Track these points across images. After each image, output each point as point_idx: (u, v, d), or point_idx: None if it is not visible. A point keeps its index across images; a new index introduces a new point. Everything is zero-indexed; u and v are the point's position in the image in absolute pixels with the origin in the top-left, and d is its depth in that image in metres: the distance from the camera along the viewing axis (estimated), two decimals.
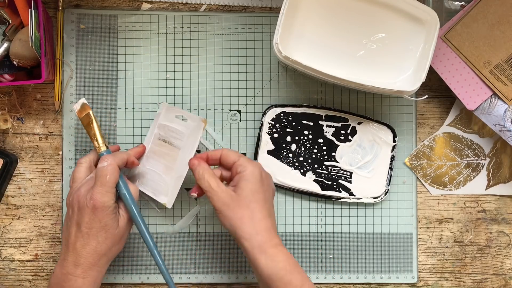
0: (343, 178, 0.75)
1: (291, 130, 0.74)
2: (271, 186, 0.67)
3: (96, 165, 0.67)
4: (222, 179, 0.67)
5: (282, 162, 0.74)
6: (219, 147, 0.75)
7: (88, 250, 0.63)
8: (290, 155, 0.74)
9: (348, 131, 0.75)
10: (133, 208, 0.65)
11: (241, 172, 0.64)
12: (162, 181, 0.70)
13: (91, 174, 0.66)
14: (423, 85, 0.68)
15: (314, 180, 0.74)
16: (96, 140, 0.67)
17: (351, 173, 0.75)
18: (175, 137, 0.70)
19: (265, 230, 0.62)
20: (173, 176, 0.70)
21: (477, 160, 0.76)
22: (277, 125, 0.74)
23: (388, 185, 0.75)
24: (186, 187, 0.75)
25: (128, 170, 0.73)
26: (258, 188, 0.63)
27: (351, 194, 0.75)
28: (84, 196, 0.63)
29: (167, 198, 0.70)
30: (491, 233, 0.76)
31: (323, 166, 0.74)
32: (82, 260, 0.63)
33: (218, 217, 0.64)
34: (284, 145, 0.74)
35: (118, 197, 0.66)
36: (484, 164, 0.76)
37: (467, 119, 0.76)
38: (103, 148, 0.67)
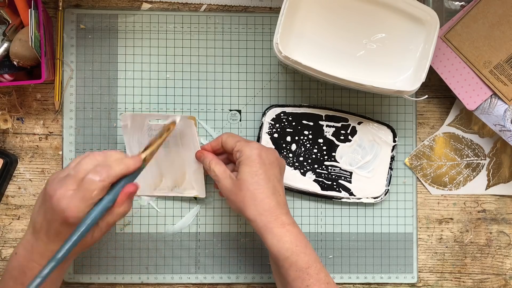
0: (343, 178, 0.75)
1: (291, 130, 0.74)
2: (276, 162, 0.66)
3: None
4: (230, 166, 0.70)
5: None
6: None
7: (55, 248, 0.58)
8: (290, 155, 0.74)
9: (348, 131, 0.75)
10: (92, 217, 0.58)
11: (239, 158, 0.65)
12: (178, 179, 0.74)
13: (71, 171, 0.58)
14: (423, 85, 0.68)
15: (314, 180, 0.74)
16: (150, 153, 0.63)
17: (351, 173, 0.75)
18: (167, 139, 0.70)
19: (268, 210, 0.63)
20: (189, 171, 0.72)
21: (477, 160, 0.76)
22: (277, 125, 0.74)
23: (388, 185, 0.75)
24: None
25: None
26: (258, 170, 0.63)
27: (351, 194, 0.75)
28: (59, 200, 0.57)
29: (195, 190, 0.73)
30: (491, 233, 0.76)
31: (323, 166, 0.74)
32: (49, 254, 0.58)
33: (227, 202, 0.66)
34: (284, 145, 0.74)
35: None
36: (484, 164, 0.76)
37: (467, 119, 0.76)
38: (141, 164, 0.61)
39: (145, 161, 0.62)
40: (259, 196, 0.63)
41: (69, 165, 0.60)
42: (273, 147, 0.74)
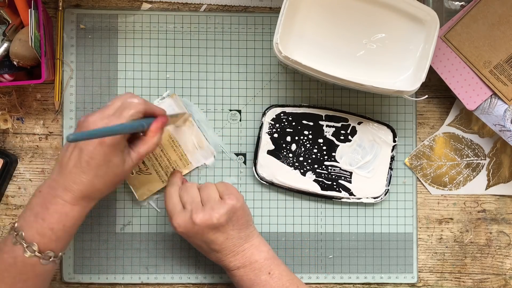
0: (343, 178, 0.75)
1: (291, 130, 0.74)
2: (206, 232, 0.65)
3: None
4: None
5: (282, 162, 0.74)
6: (215, 143, 0.75)
7: (83, 180, 0.60)
8: (290, 155, 0.74)
9: (348, 131, 0.75)
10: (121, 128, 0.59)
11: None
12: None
13: (107, 104, 0.63)
14: (423, 85, 0.68)
15: (314, 180, 0.74)
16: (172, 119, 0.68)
17: (351, 173, 0.75)
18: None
19: (215, 262, 0.68)
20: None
21: (477, 160, 0.76)
22: (277, 125, 0.74)
23: (388, 185, 0.75)
24: None
25: None
26: (187, 238, 0.67)
27: (351, 194, 0.75)
28: (95, 122, 0.60)
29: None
30: (491, 233, 0.76)
31: (323, 166, 0.74)
32: (75, 187, 0.60)
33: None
34: (284, 145, 0.74)
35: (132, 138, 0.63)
36: (484, 164, 0.76)
37: (467, 119, 0.76)
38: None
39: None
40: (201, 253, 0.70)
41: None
42: (273, 147, 0.74)
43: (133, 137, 0.64)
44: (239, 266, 0.66)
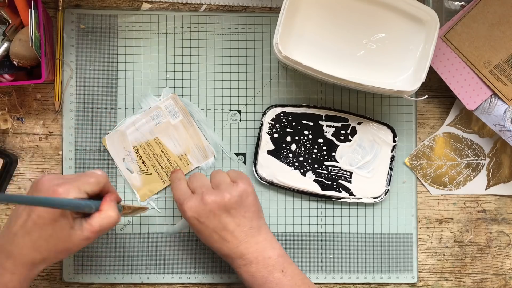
0: (343, 178, 0.75)
1: (291, 130, 0.74)
2: (218, 214, 0.64)
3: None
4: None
5: (282, 162, 0.74)
6: (215, 143, 0.75)
7: (27, 243, 0.56)
8: (290, 155, 0.74)
9: (348, 131, 0.75)
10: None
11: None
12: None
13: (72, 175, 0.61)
14: (423, 85, 0.68)
15: (314, 180, 0.74)
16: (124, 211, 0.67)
17: (351, 173, 0.75)
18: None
19: (221, 257, 0.67)
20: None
21: (477, 160, 0.76)
22: (277, 125, 0.74)
23: (388, 185, 0.75)
24: None
25: None
26: (195, 230, 0.66)
27: (351, 194, 0.75)
28: (51, 180, 0.57)
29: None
30: (491, 233, 0.76)
31: (323, 166, 0.74)
32: (17, 251, 0.56)
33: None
34: (284, 145, 0.74)
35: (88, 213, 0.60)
36: (484, 164, 0.76)
37: (467, 119, 0.76)
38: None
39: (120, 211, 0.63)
40: (205, 245, 0.68)
41: None
42: (273, 147, 0.74)
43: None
44: (252, 260, 0.64)
